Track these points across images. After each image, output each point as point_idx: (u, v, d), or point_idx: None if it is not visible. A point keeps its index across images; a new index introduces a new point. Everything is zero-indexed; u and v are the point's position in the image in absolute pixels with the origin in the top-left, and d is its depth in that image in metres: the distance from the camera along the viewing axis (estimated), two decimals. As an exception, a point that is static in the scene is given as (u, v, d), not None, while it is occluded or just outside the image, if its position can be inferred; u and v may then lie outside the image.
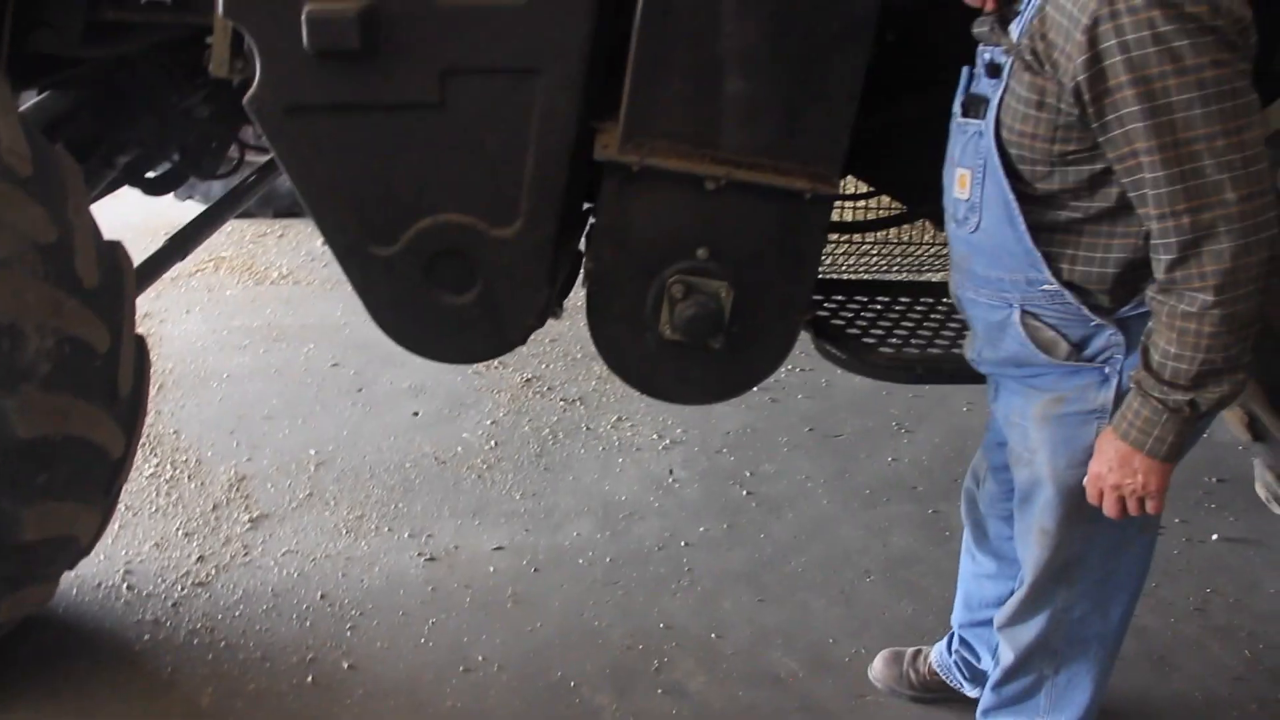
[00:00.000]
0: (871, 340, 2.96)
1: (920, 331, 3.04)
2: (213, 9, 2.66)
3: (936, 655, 3.07)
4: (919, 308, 3.21)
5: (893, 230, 3.84)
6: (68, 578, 3.32)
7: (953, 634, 3.03)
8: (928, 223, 3.84)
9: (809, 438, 4.52)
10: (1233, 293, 1.85)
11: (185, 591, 3.46)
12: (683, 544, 3.80)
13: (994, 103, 2.04)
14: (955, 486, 4.18)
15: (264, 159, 4.54)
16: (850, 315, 3.12)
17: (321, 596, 3.46)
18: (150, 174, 3.88)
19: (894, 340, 2.98)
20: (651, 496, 4.07)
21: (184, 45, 3.19)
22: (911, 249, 4.14)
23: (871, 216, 3.53)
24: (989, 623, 2.79)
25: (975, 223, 2.17)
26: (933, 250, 4.13)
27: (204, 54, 2.85)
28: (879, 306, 3.20)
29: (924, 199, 3.32)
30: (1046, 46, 1.90)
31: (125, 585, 3.48)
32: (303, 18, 2.30)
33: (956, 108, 2.23)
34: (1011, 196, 2.05)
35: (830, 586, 3.60)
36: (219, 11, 2.39)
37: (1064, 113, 1.93)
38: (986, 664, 2.90)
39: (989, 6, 2.08)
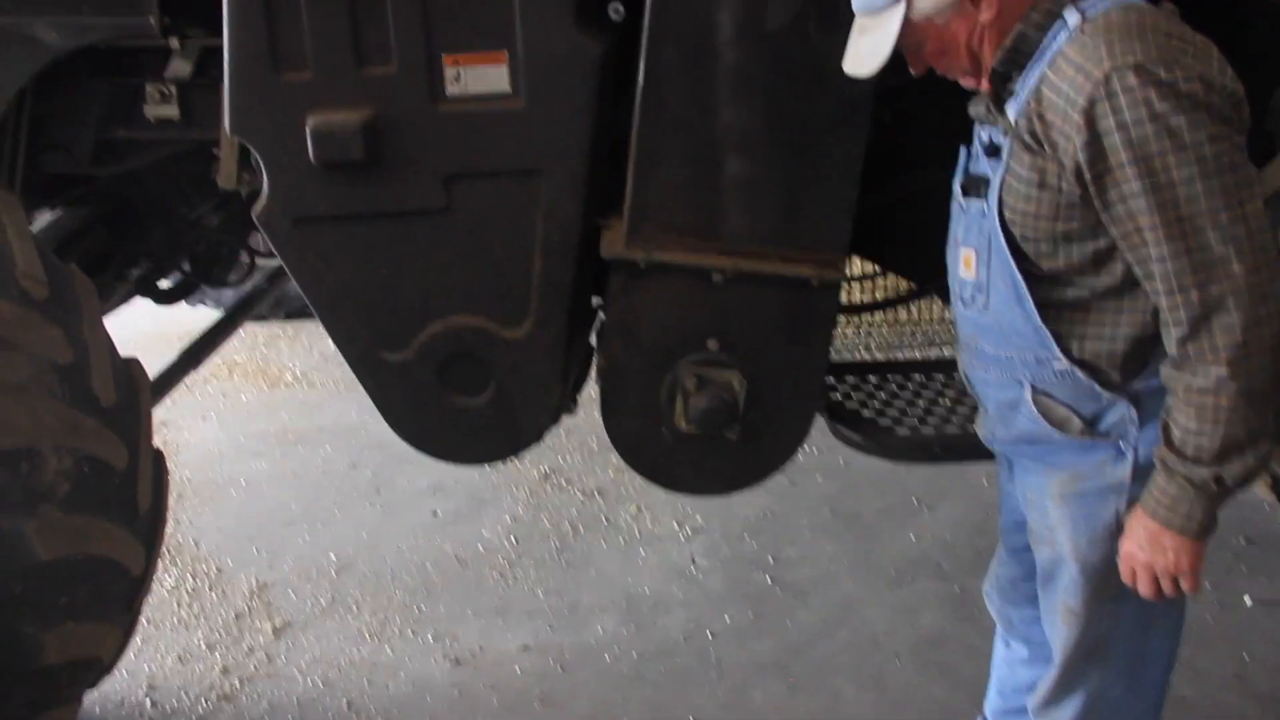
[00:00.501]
0: (887, 422, 2.95)
1: (935, 410, 3.03)
2: (219, 125, 2.71)
3: None
4: (932, 385, 3.19)
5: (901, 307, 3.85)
6: (90, 697, 3.28)
7: None
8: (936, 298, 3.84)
9: (830, 519, 4.49)
10: (1246, 365, 1.83)
11: (210, 706, 3.43)
12: (709, 634, 3.76)
13: (995, 183, 2.03)
14: (980, 562, 4.13)
15: (274, 264, 4.59)
16: (864, 397, 3.11)
17: (348, 705, 3.43)
18: (162, 284, 3.92)
19: (909, 420, 2.96)
20: (675, 587, 4.03)
21: (191, 157, 3.24)
22: (922, 324, 4.14)
23: (878, 293, 3.55)
24: (1024, 710, 2.68)
25: (983, 303, 2.15)
26: (943, 324, 4.12)
27: (212, 165, 2.91)
28: (892, 386, 3.19)
29: (931, 275, 3.33)
30: (1045, 127, 1.90)
31: (149, 701, 3.45)
32: (307, 131, 2.34)
33: (956, 187, 2.22)
34: (1018, 276, 2.03)
35: (860, 671, 3.55)
36: (226, 129, 2.43)
37: (1066, 192, 1.92)
38: None
39: (984, 87, 2.08)
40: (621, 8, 2.34)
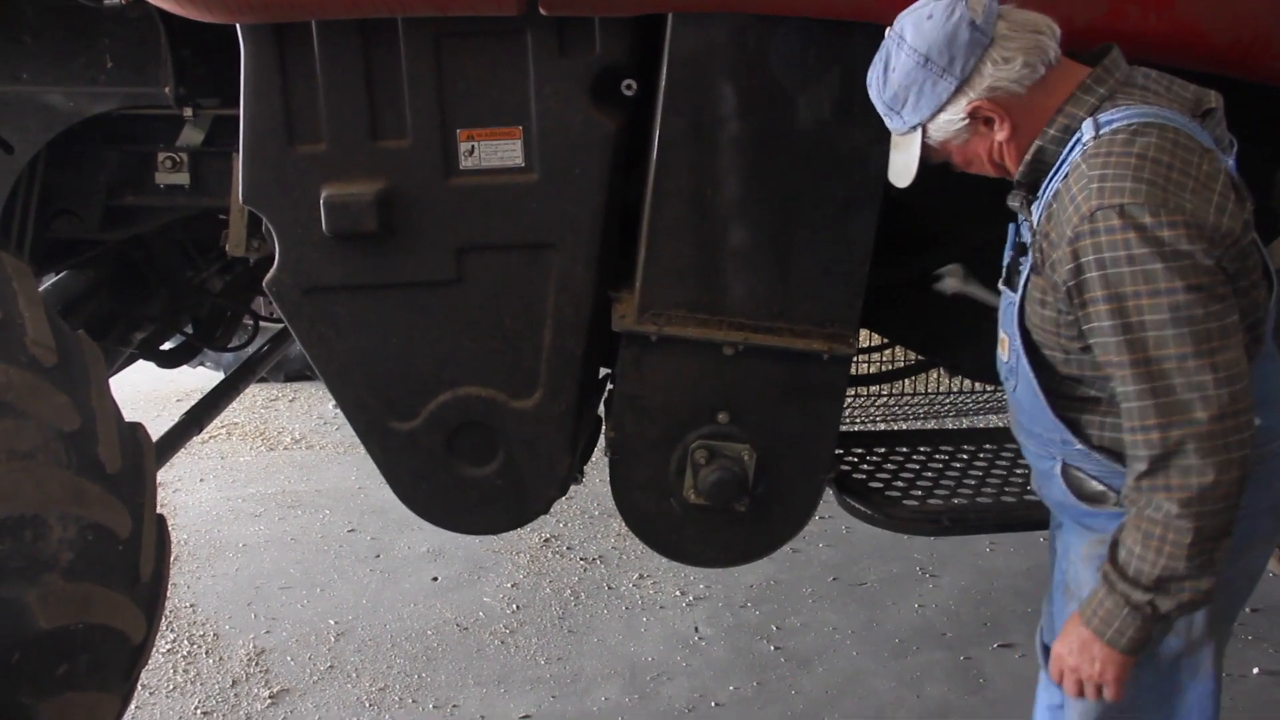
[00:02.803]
0: (895, 494, 2.94)
1: (943, 482, 3.02)
2: (228, 192, 2.73)
3: None
4: (939, 457, 3.19)
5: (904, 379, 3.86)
6: (86, 766, 3.25)
7: None
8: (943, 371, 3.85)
9: (833, 587, 4.46)
10: (1199, 508, 1.85)
11: (206, 775, 3.39)
12: (713, 705, 3.72)
13: (1021, 281, 2.08)
14: (985, 631, 4.12)
15: (277, 328, 4.59)
16: (871, 469, 3.11)
17: (345, 775, 3.39)
18: (164, 347, 3.91)
19: (917, 492, 2.96)
20: (678, 656, 4.00)
21: (197, 221, 3.25)
22: (929, 398, 4.14)
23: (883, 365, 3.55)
24: None
25: (1014, 385, 2.21)
26: (949, 399, 4.13)
27: (218, 230, 2.92)
28: (899, 458, 3.18)
29: (936, 347, 3.34)
30: (1049, 246, 1.95)
31: (144, 771, 3.41)
32: (320, 202, 2.35)
33: (1003, 267, 2.25)
34: (1033, 375, 2.09)
35: (866, 744, 3.51)
36: (239, 198, 2.44)
37: (1063, 313, 1.98)
38: None
39: (1011, 177, 2.09)
40: (634, 84, 2.36)
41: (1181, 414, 1.84)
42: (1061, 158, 1.96)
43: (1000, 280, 2.24)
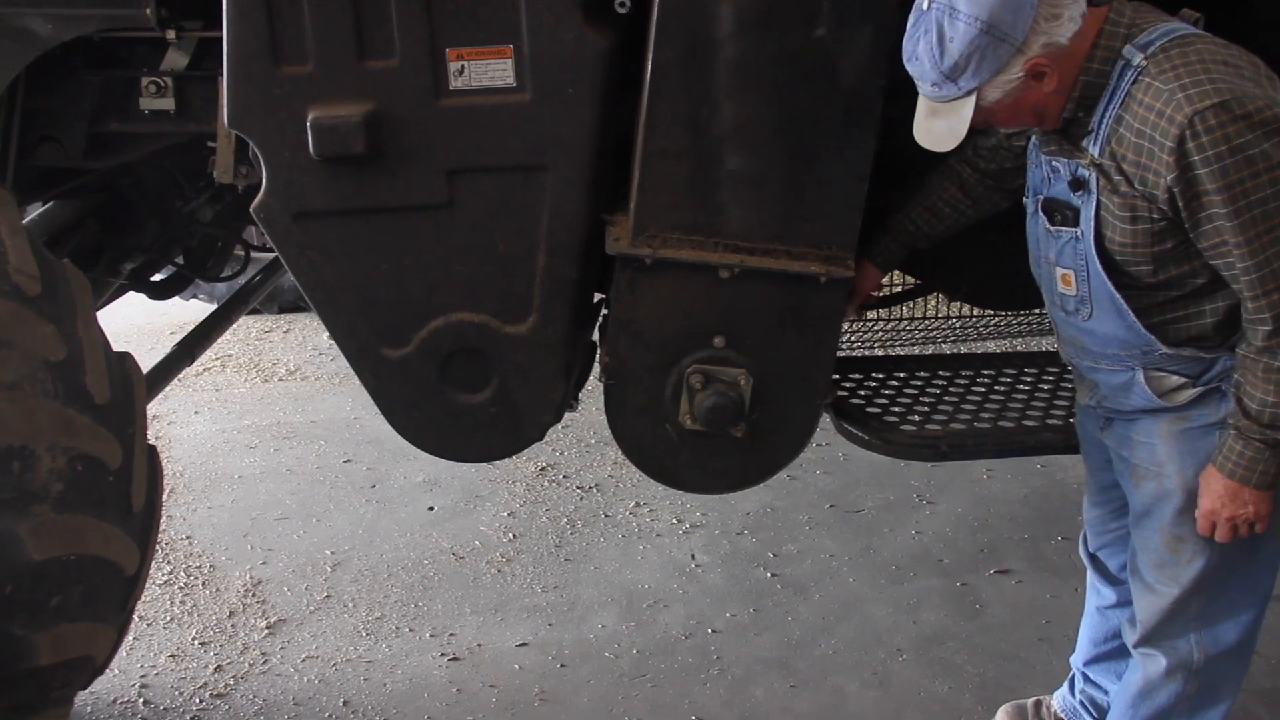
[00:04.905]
0: (893, 419, 2.93)
1: (941, 407, 3.01)
2: (215, 118, 2.67)
3: (1060, 701, 3.15)
4: (937, 383, 3.17)
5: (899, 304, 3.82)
6: (82, 696, 3.25)
7: (1073, 676, 3.10)
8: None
9: (830, 514, 4.46)
10: None
11: (204, 704, 3.39)
12: (710, 631, 3.73)
13: (1088, 215, 2.23)
14: (982, 557, 4.13)
15: (269, 257, 4.54)
16: (868, 394, 3.08)
17: (344, 703, 3.39)
18: (155, 278, 3.87)
19: (914, 418, 2.94)
20: (675, 583, 4.00)
21: (186, 149, 3.19)
22: (927, 322, 4.11)
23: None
24: (1115, 654, 2.94)
25: (1086, 314, 2.36)
26: (947, 323, 4.09)
27: (207, 158, 2.86)
28: (897, 383, 3.16)
29: (933, 272, 3.30)
30: (1133, 167, 2.11)
31: (142, 700, 3.41)
32: (308, 125, 2.30)
33: (1033, 207, 2.40)
34: (1118, 296, 2.26)
35: (863, 669, 3.52)
36: (224, 122, 2.39)
37: (1157, 220, 2.16)
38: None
39: (1050, 126, 2.23)
40: (629, 1, 2.30)
41: None
42: (1111, 88, 2.13)
43: (1042, 225, 2.36)
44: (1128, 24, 2.14)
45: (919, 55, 2.09)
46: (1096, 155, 2.18)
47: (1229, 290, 2.21)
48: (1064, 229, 2.30)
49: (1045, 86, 2.12)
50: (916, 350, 4.69)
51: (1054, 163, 2.29)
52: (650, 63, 2.30)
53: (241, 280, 4.34)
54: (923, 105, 2.17)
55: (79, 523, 2.48)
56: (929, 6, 2.06)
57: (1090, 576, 2.96)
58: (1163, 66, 2.06)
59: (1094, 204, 2.22)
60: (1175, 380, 2.34)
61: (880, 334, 4.14)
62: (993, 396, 3.09)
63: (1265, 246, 2.07)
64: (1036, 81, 2.11)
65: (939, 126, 2.16)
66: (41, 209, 3.43)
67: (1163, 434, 2.40)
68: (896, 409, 2.99)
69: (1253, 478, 2.23)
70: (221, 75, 2.35)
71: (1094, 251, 2.24)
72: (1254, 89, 2.03)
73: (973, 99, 2.09)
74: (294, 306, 6.66)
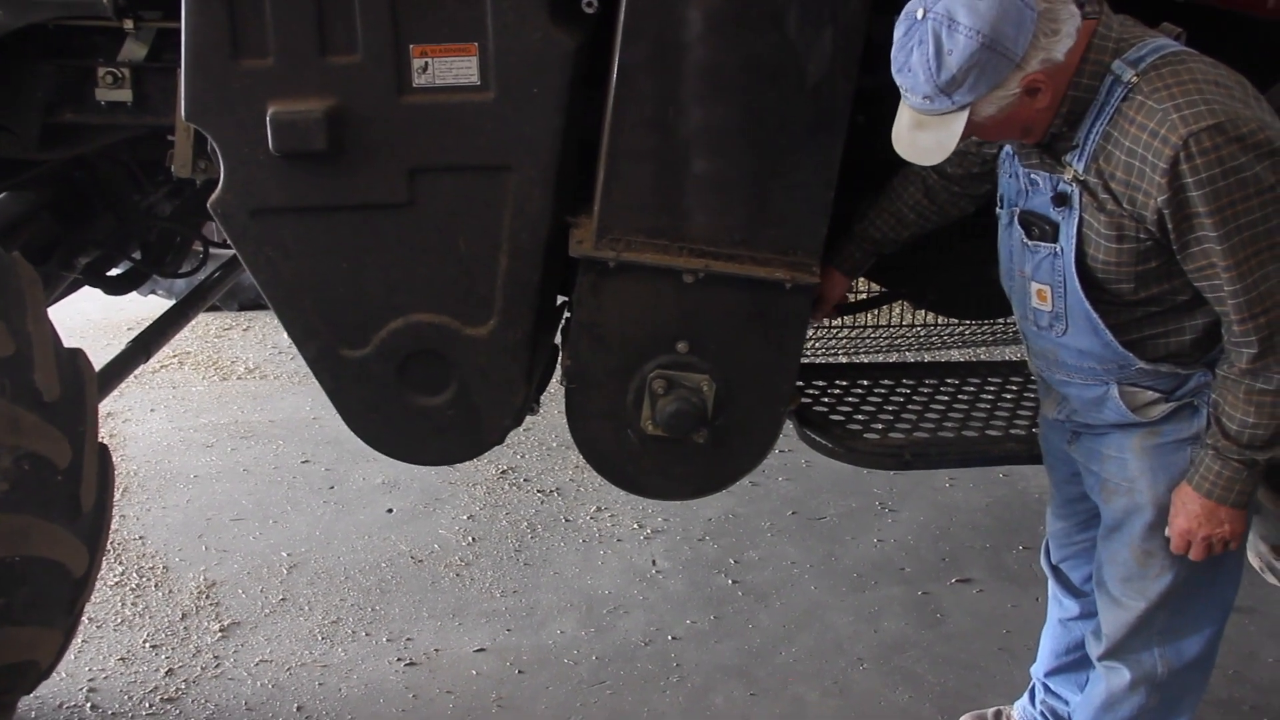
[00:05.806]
0: (856, 427, 2.91)
1: (904, 416, 3.00)
2: (173, 110, 2.61)
3: (1020, 711, 3.14)
4: (901, 391, 3.16)
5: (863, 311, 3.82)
6: (26, 700, 3.19)
7: (1033, 686, 3.10)
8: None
9: (792, 521, 4.44)
10: None
11: (154, 709, 3.33)
12: (670, 638, 3.70)
13: (1069, 232, 2.20)
14: (943, 566, 4.12)
15: (228, 254, 4.47)
16: (832, 401, 3.07)
17: (298, 709, 3.34)
18: (111, 273, 3.80)
19: (878, 426, 2.93)
20: (635, 589, 3.97)
21: (143, 142, 3.14)
22: (891, 330, 4.11)
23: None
24: (1076, 665, 2.93)
25: (1060, 329, 2.34)
26: (912, 331, 4.09)
27: (165, 152, 2.81)
28: (861, 391, 3.15)
29: (899, 280, 3.30)
30: (1122, 186, 2.09)
31: (89, 705, 3.35)
32: (267, 120, 2.26)
33: (1008, 218, 2.38)
34: (1094, 315, 2.25)
35: (823, 677, 3.51)
36: (182, 115, 2.34)
37: (1144, 240, 2.14)
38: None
39: (1035, 140, 2.21)
40: (595, 1, 2.28)
41: None
42: (1099, 103, 2.10)
43: (1019, 238, 2.33)
44: (1115, 38, 2.11)
45: (912, 66, 2.02)
46: (1081, 171, 2.15)
47: (1209, 308, 2.20)
48: (1042, 244, 2.27)
49: (1038, 103, 2.09)
50: (881, 358, 4.68)
51: (1034, 176, 2.25)
52: (616, 63, 2.28)
53: (200, 276, 4.28)
54: (907, 117, 2.11)
55: (24, 523, 2.42)
56: (924, 16, 1.99)
57: (1052, 588, 2.96)
58: (1155, 85, 2.04)
59: (1076, 220, 2.19)
60: (1149, 395, 2.33)
61: (845, 341, 4.13)
62: (956, 405, 3.08)
63: (1253, 270, 2.06)
64: (1030, 98, 2.07)
65: (925, 139, 2.10)
66: (-8, 201, 3.36)
67: (1134, 449, 2.39)
68: (860, 417, 2.98)
69: (1230, 497, 2.24)
70: (180, 67, 2.30)
71: (1073, 268, 2.22)
72: (1245, 110, 2.01)
73: (965, 114, 2.04)
74: (254, 304, 6.59)
